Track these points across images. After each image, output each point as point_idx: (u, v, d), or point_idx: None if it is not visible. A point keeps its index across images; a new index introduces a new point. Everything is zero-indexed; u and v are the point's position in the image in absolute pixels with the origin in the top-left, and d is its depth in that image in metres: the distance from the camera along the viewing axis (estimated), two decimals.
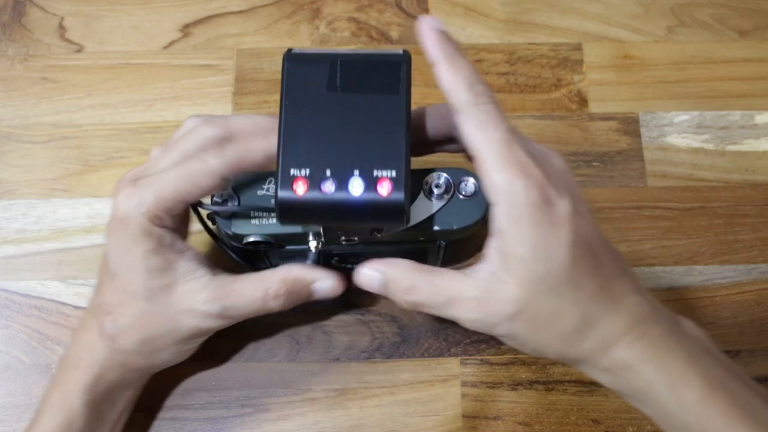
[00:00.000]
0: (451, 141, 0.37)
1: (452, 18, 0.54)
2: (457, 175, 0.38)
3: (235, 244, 0.39)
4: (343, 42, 0.54)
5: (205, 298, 0.37)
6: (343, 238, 0.38)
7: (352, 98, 0.33)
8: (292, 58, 0.34)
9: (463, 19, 0.54)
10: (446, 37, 0.33)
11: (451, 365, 0.46)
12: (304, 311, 0.47)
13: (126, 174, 0.36)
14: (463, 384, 0.46)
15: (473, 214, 0.37)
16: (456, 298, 0.33)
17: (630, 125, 0.52)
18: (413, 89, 0.35)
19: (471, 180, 0.38)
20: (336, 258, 0.42)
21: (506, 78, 0.53)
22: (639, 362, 0.31)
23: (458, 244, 0.40)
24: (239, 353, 0.46)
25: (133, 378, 0.40)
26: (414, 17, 0.54)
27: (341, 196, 0.32)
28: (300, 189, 0.32)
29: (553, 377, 0.46)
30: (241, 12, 0.54)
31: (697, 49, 0.54)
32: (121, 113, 0.51)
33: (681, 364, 0.31)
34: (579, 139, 0.51)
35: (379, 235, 0.37)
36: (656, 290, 0.48)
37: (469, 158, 0.34)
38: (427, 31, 0.33)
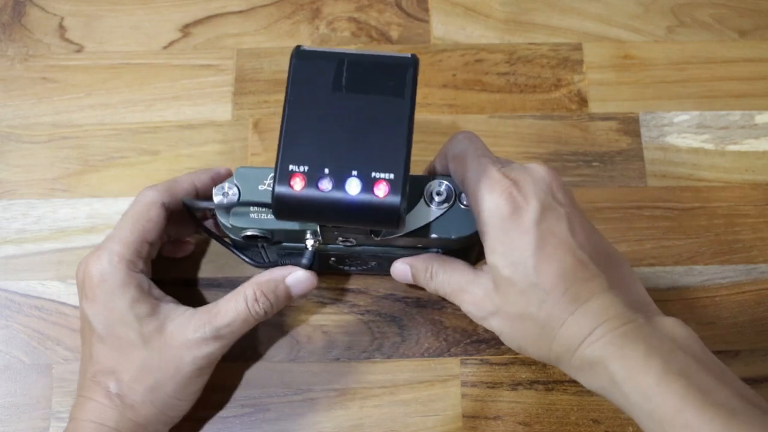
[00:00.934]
0: None
1: (452, 18, 0.54)
2: None
3: (234, 237, 0.39)
4: (343, 42, 0.54)
5: (195, 326, 0.38)
6: (340, 238, 0.38)
7: (356, 99, 0.33)
8: (300, 56, 0.35)
9: (463, 19, 0.54)
10: None
11: (451, 365, 0.46)
12: (306, 312, 0.47)
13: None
14: (463, 384, 0.46)
15: (472, 224, 0.37)
16: (459, 290, 0.37)
17: (630, 125, 0.52)
18: None
19: None
20: (333, 259, 0.42)
21: (506, 78, 0.53)
22: (603, 358, 0.32)
23: (459, 253, 0.40)
24: (239, 353, 0.46)
25: None
26: (414, 17, 0.54)
27: (338, 195, 0.32)
28: (297, 185, 0.32)
29: (553, 377, 0.46)
30: (241, 12, 0.54)
31: (697, 49, 0.54)
32: (121, 113, 0.51)
33: (640, 354, 0.31)
34: (579, 139, 0.51)
35: (376, 238, 0.37)
36: (656, 290, 0.48)
37: None
38: None
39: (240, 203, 0.38)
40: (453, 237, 0.37)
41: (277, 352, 0.46)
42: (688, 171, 0.51)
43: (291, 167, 0.32)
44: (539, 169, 0.35)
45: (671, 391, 0.30)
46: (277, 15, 0.54)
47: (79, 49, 0.53)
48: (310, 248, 0.38)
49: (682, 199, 0.50)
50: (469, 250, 0.40)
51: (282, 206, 0.33)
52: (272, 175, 0.33)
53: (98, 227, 0.49)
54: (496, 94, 0.52)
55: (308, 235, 0.38)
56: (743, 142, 0.52)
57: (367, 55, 0.34)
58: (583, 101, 0.52)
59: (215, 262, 0.48)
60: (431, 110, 0.51)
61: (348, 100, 0.33)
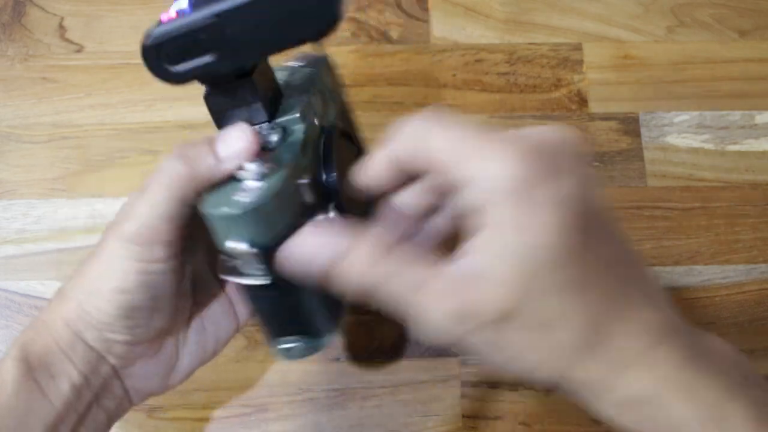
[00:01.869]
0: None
1: (452, 18, 0.54)
2: None
3: None
4: (343, 42, 0.53)
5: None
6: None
7: None
8: None
9: (463, 19, 0.54)
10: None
11: (451, 365, 0.46)
12: None
13: None
14: (463, 384, 0.46)
15: None
16: (421, 288, 0.26)
17: (630, 125, 0.52)
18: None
19: None
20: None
21: (506, 78, 0.53)
22: (663, 393, 0.24)
23: None
24: (239, 353, 0.46)
25: (65, 339, 0.32)
26: (414, 17, 0.54)
27: None
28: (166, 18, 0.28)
29: None
30: None
31: (697, 49, 0.54)
32: (121, 113, 0.51)
33: (718, 394, 0.24)
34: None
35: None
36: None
37: None
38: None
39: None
40: None
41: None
42: (688, 171, 0.51)
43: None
44: (560, 133, 0.27)
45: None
46: None
47: (79, 49, 0.53)
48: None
49: (682, 199, 0.50)
50: None
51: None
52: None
53: (98, 227, 0.49)
54: (496, 94, 0.53)
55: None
56: (743, 142, 0.52)
57: None
58: (583, 101, 0.52)
59: None
60: None
61: None
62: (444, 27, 0.54)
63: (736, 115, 0.52)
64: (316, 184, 0.31)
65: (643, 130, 0.52)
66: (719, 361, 0.25)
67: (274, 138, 0.31)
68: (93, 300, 0.32)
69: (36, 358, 0.32)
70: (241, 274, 0.31)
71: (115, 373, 0.34)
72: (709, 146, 0.51)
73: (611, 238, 0.26)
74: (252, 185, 0.29)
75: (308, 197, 0.31)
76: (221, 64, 0.31)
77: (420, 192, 0.30)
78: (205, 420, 0.45)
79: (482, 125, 0.26)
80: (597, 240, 0.25)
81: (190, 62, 0.32)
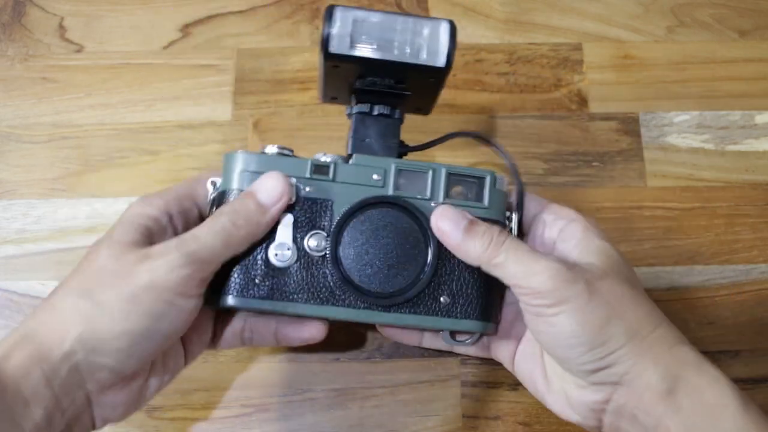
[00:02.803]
0: None
1: (452, 18, 0.54)
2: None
3: None
4: None
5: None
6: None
7: None
8: None
9: (463, 19, 0.54)
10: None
11: (451, 365, 0.46)
12: None
13: None
14: (463, 384, 0.46)
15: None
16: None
17: (630, 125, 0.52)
18: None
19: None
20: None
21: (506, 78, 0.53)
22: (689, 377, 0.33)
23: None
24: (239, 353, 0.46)
25: (53, 359, 0.31)
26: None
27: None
28: None
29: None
30: (241, 12, 0.54)
31: (697, 49, 0.54)
32: (121, 113, 0.51)
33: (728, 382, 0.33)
34: (579, 139, 0.51)
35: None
36: (656, 290, 0.48)
37: None
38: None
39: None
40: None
41: (277, 352, 0.46)
42: (688, 171, 0.51)
43: None
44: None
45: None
46: (277, 15, 0.54)
47: (79, 49, 0.53)
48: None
49: (682, 199, 0.50)
50: None
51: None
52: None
53: (98, 227, 0.49)
54: (496, 94, 0.53)
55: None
56: (743, 142, 0.52)
57: None
58: (583, 101, 0.52)
59: None
60: (424, 123, 0.51)
61: None
62: None
63: (736, 115, 0.52)
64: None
65: (643, 130, 0.52)
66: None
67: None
68: (106, 319, 0.32)
69: (12, 381, 0.30)
70: None
71: (88, 398, 0.33)
72: (709, 146, 0.51)
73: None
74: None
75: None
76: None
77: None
78: (205, 420, 0.45)
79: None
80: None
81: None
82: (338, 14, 0.36)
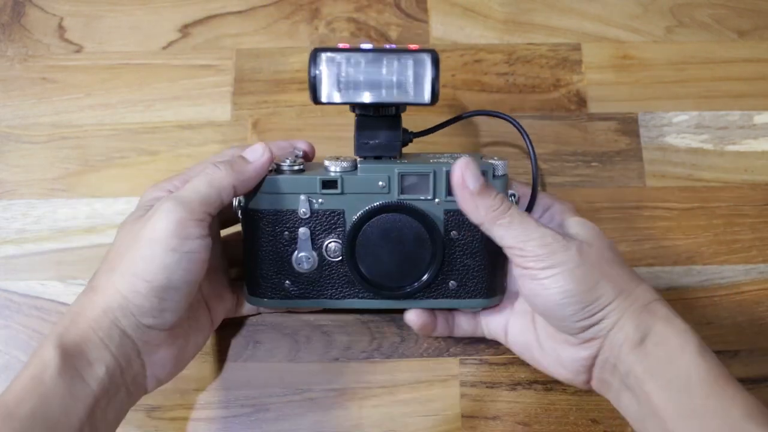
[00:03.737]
0: None
1: (451, 18, 0.55)
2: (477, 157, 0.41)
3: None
4: (342, 42, 0.53)
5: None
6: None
7: None
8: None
9: (462, 19, 0.54)
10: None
11: (451, 365, 0.46)
12: (305, 311, 0.47)
13: None
14: (462, 384, 0.46)
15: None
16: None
17: (629, 125, 0.52)
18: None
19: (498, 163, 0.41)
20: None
21: (505, 78, 0.53)
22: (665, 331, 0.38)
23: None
24: (239, 353, 0.46)
25: (104, 328, 0.36)
26: (413, 17, 0.54)
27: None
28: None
29: (552, 377, 0.46)
30: (240, 12, 0.54)
31: (696, 50, 0.54)
32: (120, 113, 0.52)
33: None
34: (578, 139, 0.51)
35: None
36: (655, 290, 0.48)
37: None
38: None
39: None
40: None
41: (276, 352, 0.46)
42: (687, 171, 0.51)
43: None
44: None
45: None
46: (276, 15, 0.54)
47: (79, 49, 0.53)
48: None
49: (681, 199, 0.50)
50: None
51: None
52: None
53: (98, 227, 0.49)
54: (495, 95, 0.53)
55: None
56: (742, 142, 0.52)
57: None
58: (582, 101, 0.52)
59: None
60: (430, 110, 0.51)
61: None
62: (443, 27, 0.54)
63: (735, 116, 0.52)
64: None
65: (642, 131, 0.52)
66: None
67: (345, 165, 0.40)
68: (132, 284, 0.36)
69: (74, 346, 0.35)
70: None
71: (141, 359, 0.38)
72: (708, 146, 0.52)
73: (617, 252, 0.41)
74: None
75: None
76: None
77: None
78: (205, 420, 0.45)
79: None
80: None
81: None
82: (323, 60, 0.38)
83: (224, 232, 0.45)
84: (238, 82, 0.52)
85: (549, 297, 0.37)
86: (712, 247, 0.49)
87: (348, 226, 0.40)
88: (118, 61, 0.53)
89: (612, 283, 0.37)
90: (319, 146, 0.45)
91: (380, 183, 0.40)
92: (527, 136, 0.44)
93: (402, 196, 0.40)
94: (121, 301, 0.36)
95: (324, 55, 0.38)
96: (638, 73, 0.53)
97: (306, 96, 0.50)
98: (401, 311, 0.43)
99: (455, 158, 0.41)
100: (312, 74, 0.38)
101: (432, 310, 0.42)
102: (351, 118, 0.41)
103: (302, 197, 0.40)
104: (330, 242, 0.41)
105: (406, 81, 0.39)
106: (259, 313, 0.46)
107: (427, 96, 0.39)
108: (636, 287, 0.38)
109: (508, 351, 0.44)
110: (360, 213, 0.40)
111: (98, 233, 0.49)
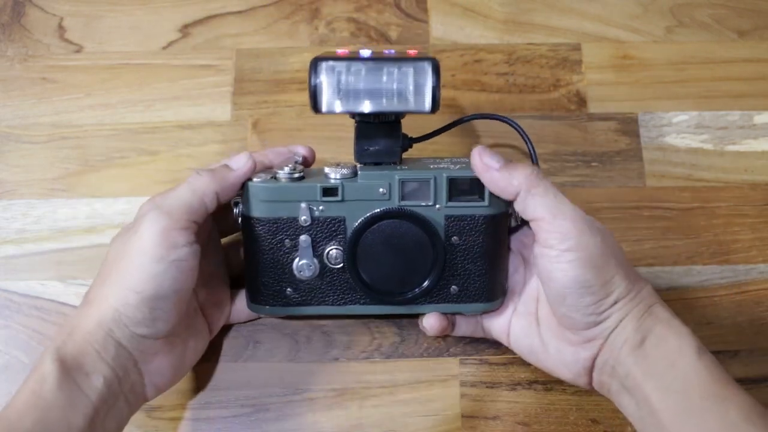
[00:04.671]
0: None
1: (451, 18, 0.55)
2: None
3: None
4: (342, 42, 0.54)
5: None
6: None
7: None
8: None
9: (462, 19, 0.54)
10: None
11: (450, 365, 0.46)
12: None
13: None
14: (462, 384, 0.46)
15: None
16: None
17: (629, 125, 0.52)
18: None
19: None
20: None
21: (505, 78, 0.53)
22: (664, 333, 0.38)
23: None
24: (239, 353, 0.46)
25: (99, 340, 0.36)
26: (413, 17, 0.54)
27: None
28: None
29: (552, 377, 0.46)
30: (240, 12, 0.54)
31: (696, 50, 0.54)
32: (120, 113, 0.52)
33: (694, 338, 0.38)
34: (578, 139, 0.51)
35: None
36: (655, 290, 0.48)
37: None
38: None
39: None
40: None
41: (276, 352, 0.46)
42: (687, 171, 0.51)
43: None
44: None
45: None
46: (276, 15, 0.54)
47: (79, 49, 0.53)
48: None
49: (681, 199, 0.50)
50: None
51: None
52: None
53: (98, 227, 0.49)
54: (495, 95, 0.53)
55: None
56: (742, 142, 0.52)
57: None
58: (582, 101, 0.52)
59: None
60: None
61: None
62: (443, 27, 0.54)
63: (735, 116, 0.52)
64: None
65: (642, 131, 0.52)
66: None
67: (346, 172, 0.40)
68: (123, 296, 0.36)
69: (71, 359, 0.36)
70: None
71: (138, 369, 0.38)
72: (708, 146, 0.52)
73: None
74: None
75: None
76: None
77: None
78: (205, 420, 0.45)
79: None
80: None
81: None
82: (324, 70, 0.38)
83: (225, 241, 0.46)
84: (238, 82, 0.52)
85: (565, 284, 0.37)
86: (712, 247, 0.49)
87: (349, 233, 0.40)
88: (118, 61, 0.53)
89: (627, 280, 0.37)
90: (319, 146, 0.45)
91: (381, 190, 0.40)
92: (527, 137, 0.45)
93: (403, 203, 0.40)
94: (113, 313, 0.36)
95: (324, 65, 0.38)
96: (638, 73, 0.53)
97: (306, 96, 0.50)
98: (403, 316, 0.43)
99: (455, 163, 0.41)
100: (312, 84, 0.38)
101: (444, 313, 0.42)
102: (351, 118, 0.42)
103: (303, 205, 0.40)
104: (331, 249, 0.41)
105: (407, 90, 0.39)
106: (260, 318, 0.46)
107: (427, 105, 0.39)
108: (642, 288, 0.38)
109: (508, 351, 0.45)
110: (361, 220, 0.40)
111: (98, 233, 0.49)
